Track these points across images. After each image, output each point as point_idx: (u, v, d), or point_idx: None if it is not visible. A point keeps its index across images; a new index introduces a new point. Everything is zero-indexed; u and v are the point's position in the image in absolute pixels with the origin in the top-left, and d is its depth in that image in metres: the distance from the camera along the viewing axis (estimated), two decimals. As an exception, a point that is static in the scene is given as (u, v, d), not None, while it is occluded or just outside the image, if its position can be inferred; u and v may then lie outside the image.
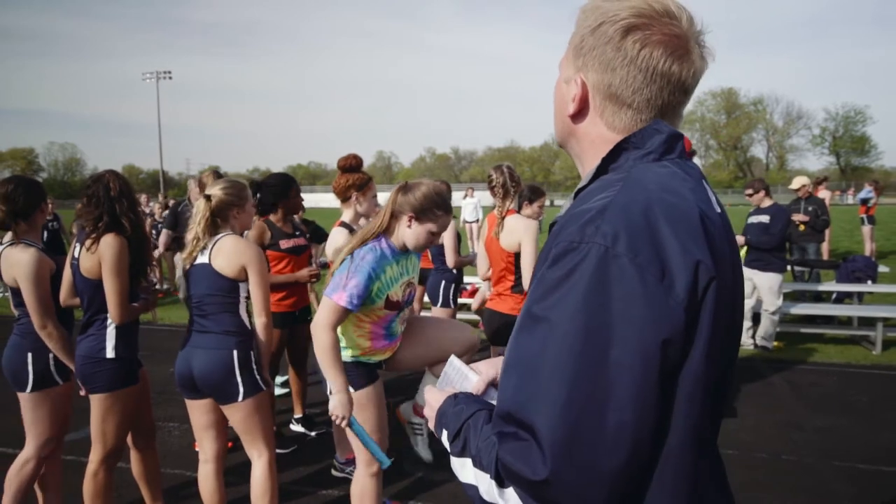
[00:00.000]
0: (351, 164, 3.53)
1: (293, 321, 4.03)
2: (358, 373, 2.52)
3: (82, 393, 2.71)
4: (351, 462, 3.59)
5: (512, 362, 0.81)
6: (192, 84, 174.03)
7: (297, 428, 4.30)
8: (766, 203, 6.22)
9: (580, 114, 0.94)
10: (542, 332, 0.76)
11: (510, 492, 0.79)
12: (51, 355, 2.72)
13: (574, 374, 0.74)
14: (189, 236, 2.63)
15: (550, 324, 0.76)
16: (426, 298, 5.33)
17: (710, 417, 0.85)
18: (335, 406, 2.33)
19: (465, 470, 0.88)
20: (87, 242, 2.59)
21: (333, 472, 3.64)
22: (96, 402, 2.64)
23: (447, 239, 4.51)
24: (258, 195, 3.97)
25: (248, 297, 2.64)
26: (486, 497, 0.83)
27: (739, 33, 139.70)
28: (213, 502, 2.71)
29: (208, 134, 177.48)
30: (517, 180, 3.60)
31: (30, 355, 2.69)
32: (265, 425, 2.65)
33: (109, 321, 2.62)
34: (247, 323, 2.62)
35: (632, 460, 0.76)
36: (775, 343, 6.31)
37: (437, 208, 2.42)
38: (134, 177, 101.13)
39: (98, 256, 2.56)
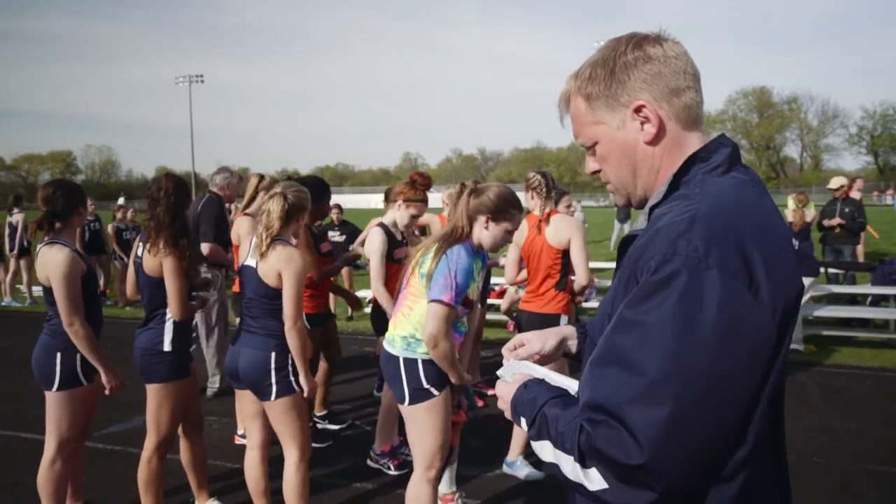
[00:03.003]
0: (417, 181, 3.75)
1: (325, 319, 4.17)
2: (437, 371, 2.50)
3: (108, 391, 2.84)
4: (387, 454, 3.71)
5: (606, 359, 0.88)
6: (223, 87, 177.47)
7: (321, 425, 4.36)
8: None
9: (659, 133, 1.00)
10: (638, 334, 0.84)
11: (593, 472, 0.87)
12: (78, 356, 2.77)
13: (667, 375, 0.81)
14: (261, 229, 2.68)
15: (646, 328, 0.84)
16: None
17: (778, 422, 0.96)
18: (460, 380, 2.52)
19: (544, 451, 0.96)
20: (149, 244, 2.76)
21: (369, 462, 3.75)
22: (152, 392, 2.79)
23: None
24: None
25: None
26: (570, 476, 0.91)
27: (772, 30, 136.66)
28: (257, 488, 2.84)
29: (238, 136, 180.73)
30: (555, 184, 3.71)
31: (59, 355, 2.76)
32: (296, 425, 2.73)
33: (168, 316, 2.77)
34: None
35: (717, 455, 0.87)
36: (807, 346, 6.24)
37: (512, 207, 2.51)
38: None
39: (160, 257, 2.72)
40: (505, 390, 1.12)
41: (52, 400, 2.81)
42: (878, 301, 7.19)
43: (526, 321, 3.61)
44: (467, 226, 2.49)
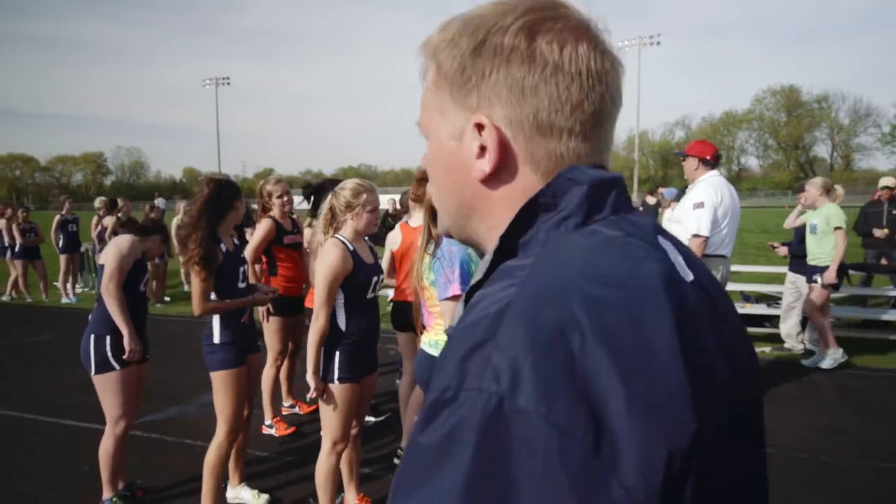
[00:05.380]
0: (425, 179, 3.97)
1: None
2: None
3: (126, 356, 3.07)
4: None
5: None
6: (249, 89, 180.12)
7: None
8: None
9: (497, 170, 0.61)
10: None
11: None
12: (108, 341, 3.05)
13: None
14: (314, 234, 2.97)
15: None
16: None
17: None
18: None
19: None
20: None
21: (396, 461, 3.91)
22: (212, 380, 3.02)
23: None
24: (311, 198, 4.32)
25: (345, 301, 2.83)
26: None
27: (802, 26, 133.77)
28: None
29: (263, 137, 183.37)
30: None
31: (92, 339, 3.08)
32: (333, 416, 2.85)
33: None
34: (340, 324, 2.84)
35: None
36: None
37: None
38: (193, 179, 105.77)
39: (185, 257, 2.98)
40: None
41: (95, 383, 3.12)
42: (902, 303, 7.13)
43: None
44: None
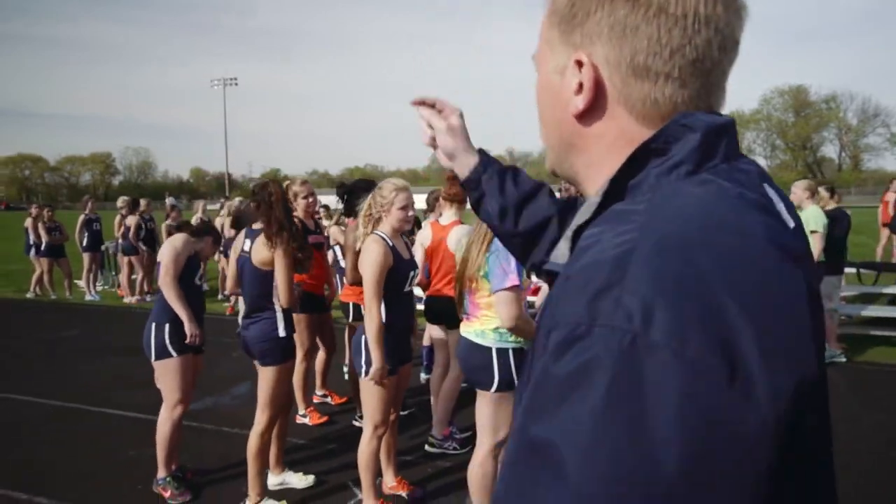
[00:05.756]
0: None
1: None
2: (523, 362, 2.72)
3: (188, 340, 3.24)
4: (448, 438, 4.03)
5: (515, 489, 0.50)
6: (256, 90, 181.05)
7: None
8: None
9: (592, 108, 0.65)
10: (547, 476, 0.47)
11: None
12: (167, 329, 3.26)
13: None
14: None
15: (558, 466, 0.46)
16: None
17: None
18: None
19: None
20: (267, 239, 3.12)
21: (428, 448, 4.04)
22: (269, 373, 3.16)
23: None
24: (345, 197, 4.48)
25: (385, 294, 2.96)
26: None
27: (803, 26, 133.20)
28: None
29: (270, 137, 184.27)
30: None
31: (153, 327, 3.30)
32: (373, 402, 3.01)
33: (278, 305, 3.17)
34: (382, 317, 2.96)
35: None
36: (839, 345, 6.36)
37: None
38: (201, 179, 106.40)
39: (273, 251, 3.09)
40: None
41: (155, 369, 3.33)
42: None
43: None
44: None
